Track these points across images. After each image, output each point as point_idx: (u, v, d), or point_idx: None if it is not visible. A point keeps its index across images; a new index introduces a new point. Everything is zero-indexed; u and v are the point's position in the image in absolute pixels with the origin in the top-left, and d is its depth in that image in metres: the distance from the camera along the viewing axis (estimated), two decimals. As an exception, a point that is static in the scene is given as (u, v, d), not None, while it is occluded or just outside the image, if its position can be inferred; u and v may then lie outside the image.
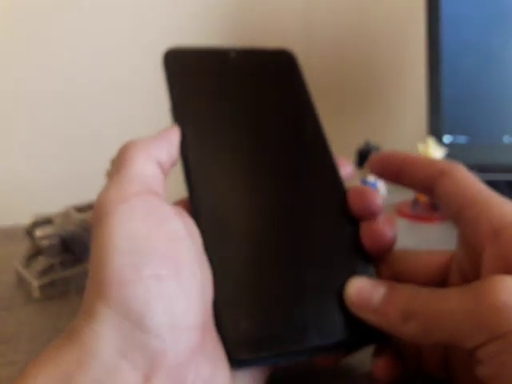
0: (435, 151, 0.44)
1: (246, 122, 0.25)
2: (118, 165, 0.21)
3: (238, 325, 0.19)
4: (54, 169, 0.57)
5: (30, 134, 0.56)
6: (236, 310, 0.20)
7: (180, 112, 0.24)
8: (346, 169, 0.26)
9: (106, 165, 0.34)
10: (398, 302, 0.19)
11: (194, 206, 0.22)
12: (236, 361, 0.19)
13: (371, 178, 0.45)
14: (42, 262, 0.34)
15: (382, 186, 0.45)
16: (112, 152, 0.34)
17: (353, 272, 0.22)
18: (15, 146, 0.56)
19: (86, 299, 0.18)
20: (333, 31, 0.63)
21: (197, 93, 0.25)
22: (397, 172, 0.24)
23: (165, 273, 0.18)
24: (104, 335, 0.16)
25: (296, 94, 0.27)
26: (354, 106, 0.67)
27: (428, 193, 0.23)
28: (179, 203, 0.23)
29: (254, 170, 0.24)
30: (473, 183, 0.21)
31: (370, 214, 0.23)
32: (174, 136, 0.23)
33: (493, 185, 0.22)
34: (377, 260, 0.23)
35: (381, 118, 0.67)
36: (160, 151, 0.22)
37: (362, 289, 0.21)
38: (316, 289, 0.21)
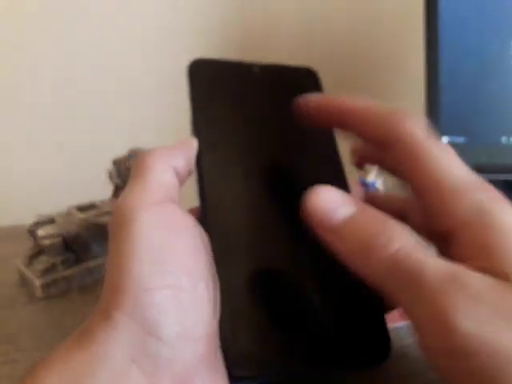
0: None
1: (264, 137, 0.25)
2: (138, 173, 0.21)
3: (238, 341, 0.19)
4: (57, 169, 0.57)
5: (33, 134, 0.56)
6: (236, 327, 0.20)
7: (200, 123, 0.24)
8: (353, 189, 0.25)
9: (107, 165, 0.35)
10: (367, 223, 0.19)
11: (205, 216, 0.22)
12: (234, 377, 0.19)
13: (370, 179, 0.45)
14: (44, 262, 0.34)
15: (380, 186, 0.46)
16: (113, 153, 0.34)
17: (359, 299, 0.22)
18: (18, 147, 0.56)
19: (101, 303, 0.18)
20: (333, 36, 0.63)
21: (218, 105, 0.25)
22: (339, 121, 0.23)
23: (181, 284, 0.18)
24: (118, 340, 0.16)
25: None
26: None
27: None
28: (190, 212, 0.22)
29: (268, 184, 0.24)
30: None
31: None
32: (192, 147, 0.23)
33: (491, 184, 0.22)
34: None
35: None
36: (178, 160, 0.22)
37: (327, 200, 0.20)
38: (318, 310, 0.21)
